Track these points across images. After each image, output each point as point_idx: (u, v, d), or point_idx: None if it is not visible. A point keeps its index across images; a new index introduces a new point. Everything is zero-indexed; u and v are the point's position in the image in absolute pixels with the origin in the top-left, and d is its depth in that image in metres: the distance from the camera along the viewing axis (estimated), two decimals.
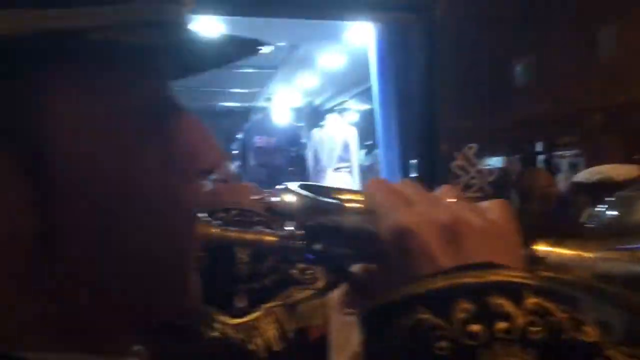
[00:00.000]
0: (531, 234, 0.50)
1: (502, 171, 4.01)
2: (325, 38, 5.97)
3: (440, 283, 0.42)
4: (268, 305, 0.92)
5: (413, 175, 4.02)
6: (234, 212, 1.02)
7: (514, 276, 0.42)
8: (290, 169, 6.58)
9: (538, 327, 0.40)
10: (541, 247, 0.49)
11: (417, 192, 0.49)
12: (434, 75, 3.95)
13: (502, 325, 0.40)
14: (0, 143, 0.35)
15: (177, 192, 0.43)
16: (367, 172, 7.30)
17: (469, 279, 0.42)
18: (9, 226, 0.36)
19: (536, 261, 0.49)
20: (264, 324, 0.90)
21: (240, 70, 7.33)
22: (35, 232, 0.36)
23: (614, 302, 0.49)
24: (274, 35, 5.20)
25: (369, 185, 0.50)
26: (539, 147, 4.22)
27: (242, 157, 6.41)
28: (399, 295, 0.42)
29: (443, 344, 0.39)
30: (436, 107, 3.97)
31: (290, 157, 6.53)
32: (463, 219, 0.46)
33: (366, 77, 5.00)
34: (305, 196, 0.51)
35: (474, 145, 3.92)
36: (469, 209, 0.47)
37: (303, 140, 7.06)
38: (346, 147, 6.71)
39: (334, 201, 0.51)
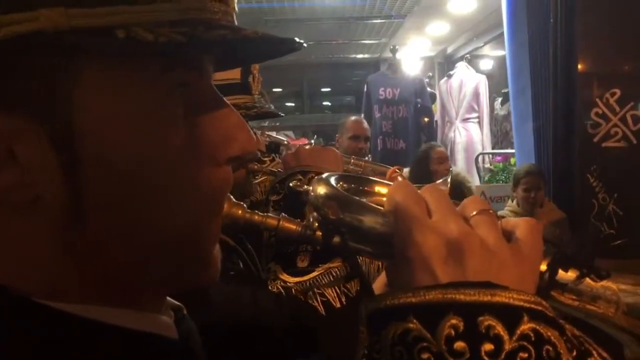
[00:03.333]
0: (564, 260, 0.48)
1: None
2: None
3: (433, 296, 0.42)
4: (327, 265, 0.93)
5: (545, 124, 3.75)
6: (311, 174, 1.03)
7: (514, 299, 0.41)
8: (425, 119, 6.42)
9: (527, 354, 0.39)
10: (569, 274, 0.48)
11: (439, 201, 0.48)
12: (572, 14, 3.60)
13: (488, 346, 0.39)
14: (36, 117, 0.40)
15: (199, 175, 0.45)
16: (503, 121, 6.97)
17: (462, 296, 0.41)
18: (38, 190, 0.41)
19: (557, 287, 0.47)
20: (323, 283, 0.91)
21: (369, 22, 7.24)
22: (63, 201, 0.41)
23: (633, 335, 0.47)
24: None
25: (393, 186, 0.50)
26: None
27: (367, 109, 6.36)
28: (394, 302, 0.43)
29: (426, 355, 0.40)
30: (573, 50, 3.63)
31: (415, 109, 6.36)
32: (473, 235, 0.45)
33: (500, 22, 4.70)
34: (334, 189, 0.54)
35: (617, 91, 3.56)
36: (488, 225, 0.47)
37: (430, 91, 6.84)
38: (476, 97, 6.41)
39: (357, 199, 0.54)
